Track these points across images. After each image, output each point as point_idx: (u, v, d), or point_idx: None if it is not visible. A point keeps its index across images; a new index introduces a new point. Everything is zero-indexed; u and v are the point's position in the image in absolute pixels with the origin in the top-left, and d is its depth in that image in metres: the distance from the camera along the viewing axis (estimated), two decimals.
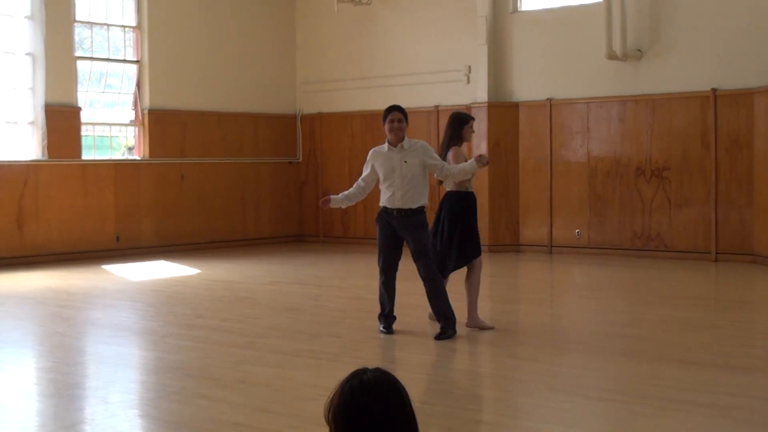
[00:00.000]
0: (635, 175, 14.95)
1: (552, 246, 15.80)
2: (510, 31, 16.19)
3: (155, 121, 16.45)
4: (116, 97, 16.47)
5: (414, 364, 7.49)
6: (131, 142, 16.67)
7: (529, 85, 16.02)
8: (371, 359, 7.37)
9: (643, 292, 11.89)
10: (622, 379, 6.99)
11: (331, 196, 9.36)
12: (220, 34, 17.40)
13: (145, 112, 16.38)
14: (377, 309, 10.46)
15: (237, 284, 12.55)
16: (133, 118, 16.49)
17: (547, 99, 15.80)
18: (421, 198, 8.68)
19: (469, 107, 16.40)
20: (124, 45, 16.40)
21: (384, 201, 8.87)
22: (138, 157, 16.44)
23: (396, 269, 9.05)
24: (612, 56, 14.80)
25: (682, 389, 6.55)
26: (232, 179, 17.60)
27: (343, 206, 9.63)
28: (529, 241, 16.07)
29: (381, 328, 8.79)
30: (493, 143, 16.06)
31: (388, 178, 8.76)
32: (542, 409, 6.21)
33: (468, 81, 16.55)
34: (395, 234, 8.86)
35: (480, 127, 16.14)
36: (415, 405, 2.77)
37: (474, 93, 16.40)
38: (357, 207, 17.92)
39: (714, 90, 14.16)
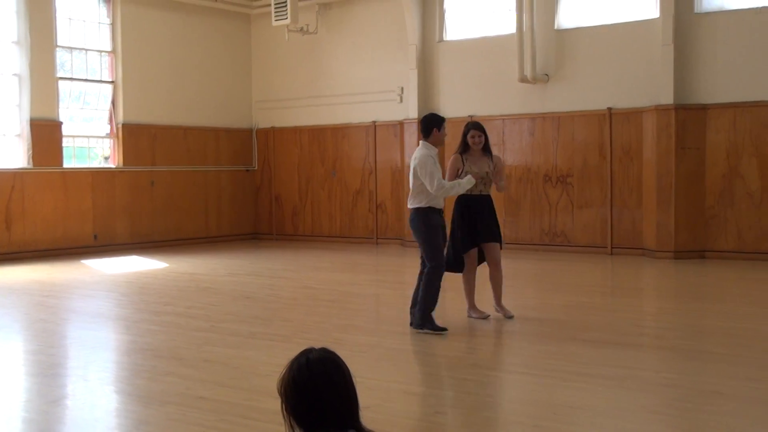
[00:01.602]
0: (543, 181, 15.09)
1: None
2: (437, 58, 16.26)
3: (128, 134, 16.27)
4: (94, 112, 16.22)
5: (354, 343, 7.47)
6: (107, 152, 16.43)
7: (453, 104, 16.09)
8: (318, 340, 7.33)
9: (550, 281, 12.00)
10: (533, 356, 7.04)
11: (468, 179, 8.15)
12: (186, 58, 17.27)
13: (120, 126, 16.19)
14: (324, 296, 10.46)
15: (200, 276, 12.42)
16: (108, 131, 16.29)
17: (469, 116, 15.85)
18: None
19: (401, 123, 16.44)
20: (101, 67, 16.18)
21: (437, 203, 7.97)
22: (113, 166, 16.23)
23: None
24: (523, 80, 14.92)
25: (584, 364, 6.62)
26: (196, 185, 17.47)
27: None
28: None
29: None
30: None
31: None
32: (466, 381, 6.23)
33: (401, 100, 16.59)
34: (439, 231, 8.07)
35: (411, 139, 16.20)
36: (361, 380, 2.78)
37: (406, 111, 16.44)
38: (305, 207, 17.92)
39: (609, 109, 14.35)
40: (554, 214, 14.97)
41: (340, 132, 17.46)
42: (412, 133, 16.19)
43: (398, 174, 16.63)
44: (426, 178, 7.81)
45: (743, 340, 7.45)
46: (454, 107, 16.06)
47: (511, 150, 15.42)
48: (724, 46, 13.41)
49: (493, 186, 8.52)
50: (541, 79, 14.95)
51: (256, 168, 18.61)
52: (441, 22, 16.24)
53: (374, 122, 16.93)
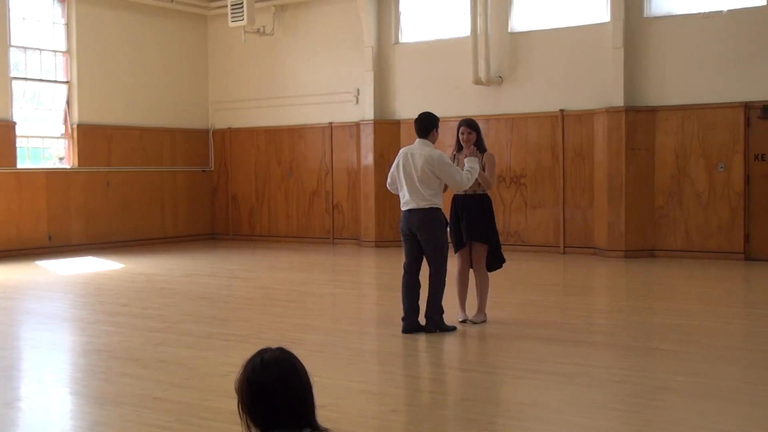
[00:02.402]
0: (497, 182, 15.18)
1: None
2: (392, 60, 16.28)
3: (83, 135, 16.06)
4: (48, 113, 15.97)
5: (311, 343, 7.46)
6: (62, 152, 16.20)
7: (408, 105, 16.11)
8: (275, 340, 7.30)
9: (504, 280, 12.05)
10: (487, 354, 7.08)
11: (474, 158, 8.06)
12: (141, 58, 17.10)
13: (74, 126, 15.97)
14: (281, 296, 10.43)
15: (156, 277, 12.30)
16: (63, 131, 16.05)
17: None
18: None
19: (357, 124, 16.44)
20: (55, 67, 15.93)
21: (441, 203, 7.91)
22: (68, 166, 16.00)
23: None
24: (478, 82, 15.01)
25: (538, 361, 6.67)
26: (152, 185, 17.30)
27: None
28: None
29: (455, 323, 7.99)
30: (379, 154, 16.11)
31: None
32: (421, 380, 6.25)
33: (357, 101, 16.58)
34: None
35: (367, 140, 16.21)
36: (318, 379, 2.78)
37: (362, 112, 16.44)
38: (262, 208, 17.84)
39: (562, 111, 14.49)
40: (508, 215, 15.07)
41: (296, 133, 17.41)
42: (368, 134, 16.21)
43: (354, 175, 16.63)
44: (452, 175, 7.75)
45: (691, 337, 7.57)
46: (409, 109, 16.09)
47: None
48: (673, 50, 13.61)
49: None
50: (495, 81, 15.04)
51: (212, 168, 18.48)
52: (397, 25, 16.27)
53: (330, 123, 16.90)
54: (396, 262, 14.31)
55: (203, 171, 18.39)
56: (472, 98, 15.35)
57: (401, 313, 7.91)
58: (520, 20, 15.03)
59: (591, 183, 14.33)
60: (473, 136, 8.24)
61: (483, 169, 8.20)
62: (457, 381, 6.23)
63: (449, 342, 7.60)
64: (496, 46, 15.03)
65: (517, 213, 15.00)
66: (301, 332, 8.01)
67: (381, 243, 16.07)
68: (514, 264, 13.41)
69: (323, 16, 16.97)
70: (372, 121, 16.15)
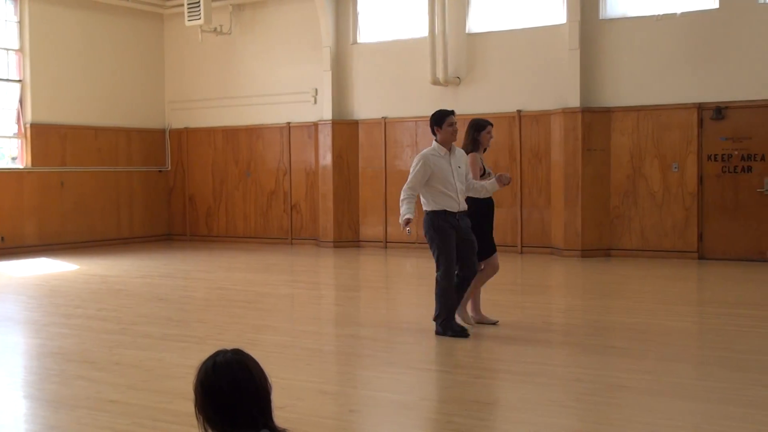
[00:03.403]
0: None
1: (387, 242, 15.95)
2: (350, 60, 16.27)
3: (37, 134, 15.83)
4: (0, 112, 15.70)
5: (269, 344, 7.42)
6: (15, 152, 15.94)
7: (366, 106, 16.13)
8: (232, 341, 7.26)
9: None
10: (445, 353, 7.09)
11: (410, 218, 7.64)
12: (96, 57, 16.90)
13: (27, 126, 15.74)
14: (239, 297, 10.36)
15: (112, 278, 12.16)
16: (16, 131, 15.80)
17: (382, 117, 15.95)
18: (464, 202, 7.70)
19: (315, 124, 16.40)
20: (8, 66, 15.68)
21: (445, 205, 7.53)
22: (21, 166, 15.76)
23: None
24: (435, 82, 15.05)
25: (496, 360, 6.70)
26: (108, 185, 17.11)
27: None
28: (368, 238, 16.17)
29: (453, 331, 7.55)
30: (337, 155, 16.09)
31: (449, 181, 7.55)
32: (380, 379, 6.25)
33: (315, 102, 16.55)
34: (453, 235, 7.61)
35: (325, 140, 16.18)
36: (276, 380, 2.77)
37: (320, 112, 16.41)
38: (220, 208, 17.72)
39: (519, 111, 14.59)
40: None
41: (254, 133, 17.32)
42: (326, 134, 16.17)
43: (313, 175, 16.59)
44: (409, 177, 7.66)
45: (645, 335, 7.65)
46: (367, 109, 16.11)
47: None
48: (628, 52, 13.77)
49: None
50: (452, 81, 15.10)
51: (169, 168, 18.31)
52: (355, 25, 16.25)
53: (288, 123, 16.84)
54: (355, 261, 14.33)
55: (159, 171, 18.22)
56: (430, 98, 15.37)
57: (358, 315, 7.90)
58: (478, 21, 15.11)
59: (548, 183, 14.44)
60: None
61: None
62: (416, 381, 6.23)
63: (408, 342, 7.60)
64: (454, 47, 15.10)
65: None
66: (259, 333, 7.96)
67: (339, 243, 16.06)
68: None
69: (281, 15, 16.90)
70: (330, 122, 16.12)
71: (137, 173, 17.75)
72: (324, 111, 16.32)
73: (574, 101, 13.90)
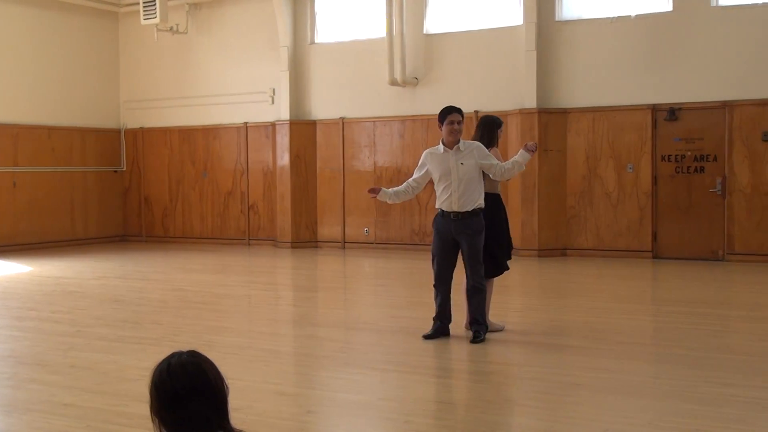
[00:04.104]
0: None
1: (345, 242, 15.94)
2: (308, 60, 16.24)
3: None
4: None
5: (226, 345, 7.38)
6: None
7: (324, 106, 16.11)
8: (189, 343, 7.21)
9: (419, 280, 12.15)
10: (402, 353, 7.11)
11: (382, 189, 7.64)
12: (49, 56, 16.67)
13: None
14: (195, 298, 10.29)
15: (66, 280, 12.00)
16: None
17: (340, 118, 15.94)
18: (477, 199, 7.35)
19: (273, 124, 16.35)
20: None
21: (441, 204, 7.44)
22: None
23: (451, 277, 7.60)
24: (393, 83, 15.08)
25: (453, 360, 6.73)
26: (61, 186, 16.88)
27: (389, 201, 7.81)
28: (326, 238, 16.16)
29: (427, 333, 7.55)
30: (295, 155, 16.05)
31: (444, 180, 7.36)
32: (337, 380, 6.25)
33: (272, 102, 16.49)
34: (451, 238, 7.40)
35: (283, 141, 16.15)
36: (233, 381, 2.76)
37: (278, 112, 16.36)
38: (176, 209, 17.58)
39: (476, 112, 14.65)
40: (424, 214, 15.18)
41: (211, 133, 17.21)
42: (284, 134, 16.13)
43: (270, 175, 16.53)
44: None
45: (601, 334, 7.74)
46: (325, 109, 16.10)
47: (381, 152, 15.56)
48: (584, 53, 13.92)
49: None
50: (410, 82, 15.14)
51: (124, 169, 18.13)
52: (312, 25, 16.23)
53: (246, 123, 16.76)
54: (312, 262, 14.30)
55: (115, 171, 18.03)
56: (388, 99, 15.43)
57: (315, 315, 7.88)
58: (435, 22, 15.17)
59: (504, 183, 14.51)
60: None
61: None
62: (373, 381, 6.24)
63: (366, 342, 7.61)
64: (412, 48, 15.14)
65: (433, 213, 15.03)
66: (216, 334, 7.92)
67: (297, 244, 16.03)
68: (429, 264, 13.54)
69: (238, 15, 16.82)
70: (288, 122, 16.08)
71: (92, 173, 17.54)
72: (281, 111, 16.27)
73: (531, 102, 14.01)
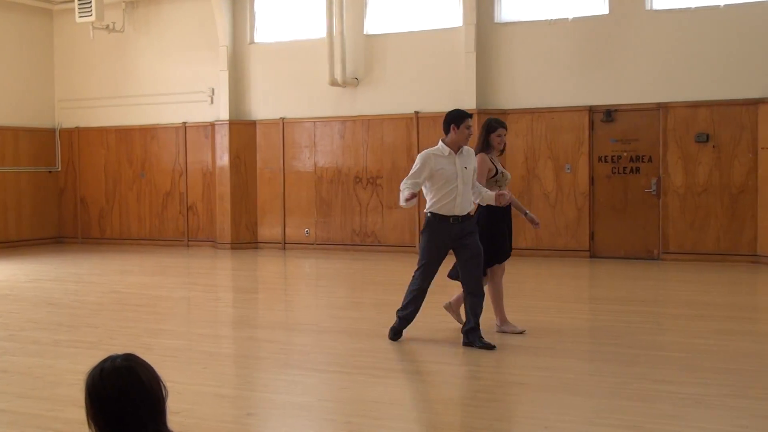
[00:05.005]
0: (354, 183, 15.30)
1: (285, 243, 15.88)
2: (248, 60, 16.13)
3: None
4: None
5: (164, 348, 7.29)
6: None
7: (264, 106, 16.03)
8: (126, 346, 7.10)
9: (360, 280, 12.18)
10: (343, 354, 7.11)
11: (412, 191, 7.19)
12: None
13: None
14: (133, 301, 10.14)
15: None
16: None
17: (280, 118, 15.87)
18: (471, 203, 7.32)
19: (212, 124, 16.21)
20: None
21: (439, 208, 7.21)
22: None
23: (432, 280, 7.51)
24: (334, 83, 15.07)
25: (393, 360, 6.75)
26: None
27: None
28: (266, 239, 16.07)
29: (391, 335, 7.47)
30: (234, 155, 15.93)
31: (450, 183, 7.14)
32: (277, 382, 6.22)
33: (212, 101, 16.35)
34: (447, 244, 7.30)
35: (222, 141, 16.01)
36: (172, 384, 2.73)
37: (217, 112, 16.22)
38: (113, 210, 17.31)
39: (417, 113, 14.73)
40: (365, 215, 15.20)
41: (148, 133, 16.99)
42: (223, 134, 16.00)
43: (209, 176, 16.38)
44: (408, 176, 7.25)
45: (539, 332, 7.83)
46: (265, 109, 16.01)
47: (322, 152, 15.54)
48: (522, 55, 14.08)
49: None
50: (350, 82, 15.14)
51: (59, 169, 17.79)
52: (252, 24, 16.13)
53: (184, 123, 16.59)
54: (252, 263, 14.20)
55: (49, 171, 17.68)
56: (329, 99, 15.41)
57: (255, 317, 7.83)
58: (375, 23, 15.20)
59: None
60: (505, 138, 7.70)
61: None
62: (314, 382, 6.23)
63: (306, 344, 7.59)
64: (352, 48, 15.14)
65: (374, 214, 15.15)
66: (154, 337, 7.82)
67: (237, 245, 15.91)
68: (370, 264, 13.59)
69: (176, 13, 16.64)
70: (227, 122, 15.96)
71: (25, 174, 17.17)
72: (221, 111, 16.14)
73: (471, 103, 14.12)
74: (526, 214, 8.02)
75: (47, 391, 5.90)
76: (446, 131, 7.23)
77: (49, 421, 5.18)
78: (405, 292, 7.53)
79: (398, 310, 7.54)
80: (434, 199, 7.24)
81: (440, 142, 7.26)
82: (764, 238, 12.71)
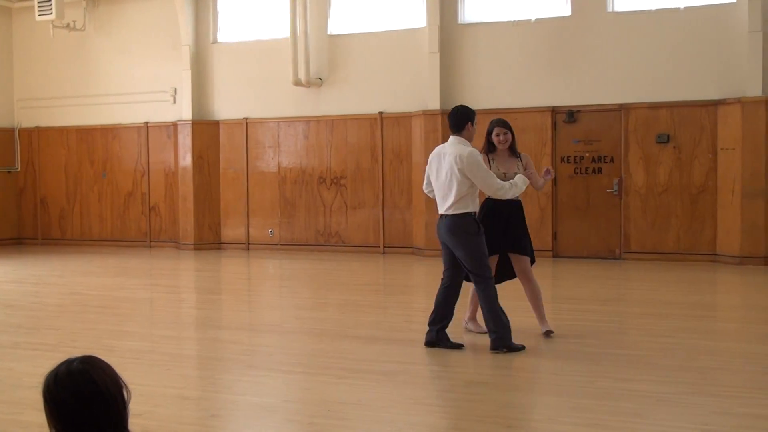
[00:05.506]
0: (318, 183, 15.27)
1: (249, 243, 15.81)
2: (211, 59, 16.04)
3: None
4: None
5: (126, 350, 7.23)
6: None
7: (228, 106, 15.95)
8: (87, 348, 7.03)
9: (324, 281, 12.16)
10: (307, 354, 7.10)
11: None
12: None
13: None
14: (94, 302, 10.03)
15: None
16: None
17: (244, 118, 15.80)
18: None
19: (175, 124, 16.09)
20: None
21: (474, 207, 7.04)
22: None
23: None
24: (298, 83, 15.04)
25: (357, 360, 6.75)
26: None
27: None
28: (230, 240, 15.99)
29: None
30: (197, 155, 15.84)
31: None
32: (241, 383, 6.19)
33: (174, 101, 16.23)
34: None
35: (185, 141, 15.91)
36: (134, 387, 2.71)
37: (180, 112, 16.10)
38: (74, 210, 17.12)
39: (381, 113, 14.75)
40: (329, 215, 15.18)
41: (110, 133, 16.82)
42: (186, 134, 15.90)
43: (172, 176, 16.26)
44: (484, 178, 6.84)
45: None
46: (228, 109, 15.94)
47: (285, 152, 15.50)
48: (485, 56, 14.14)
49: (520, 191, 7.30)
50: (314, 83, 15.12)
51: (18, 169, 17.56)
52: (215, 24, 16.04)
53: (146, 123, 16.45)
54: (216, 264, 14.13)
55: (8, 172, 17.45)
56: (292, 99, 15.37)
57: (219, 318, 7.79)
58: (339, 23, 15.19)
59: (409, 184, 14.66)
60: (509, 136, 7.50)
61: (529, 173, 7.52)
62: (277, 383, 6.21)
63: (270, 344, 7.56)
64: (316, 48, 15.12)
65: (338, 214, 15.14)
66: (116, 339, 7.75)
67: (200, 246, 15.81)
68: (335, 265, 13.58)
69: (138, 12, 16.50)
70: (190, 122, 15.85)
71: None
72: (183, 111, 16.03)
73: (434, 104, 14.16)
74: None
75: (6, 394, 5.82)
76: (460, 129, 7.04)
77: (8, 424, 5.11)
78: (487, 310, 7.04)
79: (501, 327, 6.99)
80: (471, 198, 6.99)
81: (464, 141, 7.02)
82: (723, 237, 12.90)
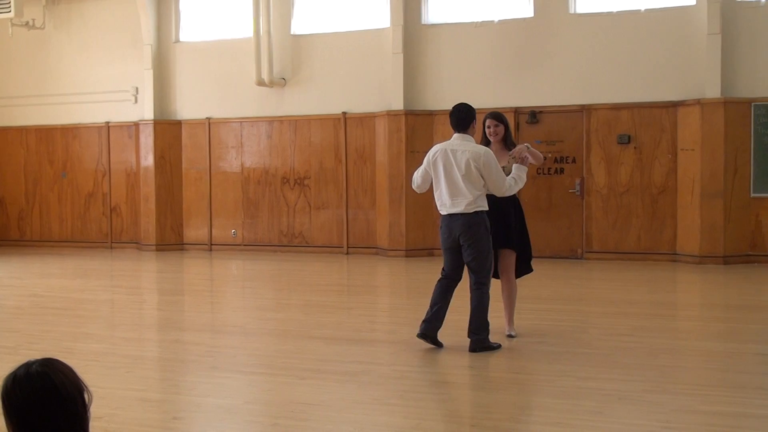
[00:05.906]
0: (281, 183, 15.23)
1: (212, 244, 15.73)
2: (173, 59, 15.93)
3: None
4: None
5: (87, 352, 7.15)
6: None
7: (190, 106, 15.85)
8: (47, 351, 6.95)
9: (287, 281, 12.13)
10: (270, 355, 7.07)
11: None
12: None
13: None
14: (54, 304, 9.91)
15: None
16: None
17: (206, 118, 15.71)
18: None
19: (137, 124, 15.96)
20: None
21: (484, 203, 7.03)
22: None
23: None
24: (261, 83, 14.98)
25: (320, 360, 6.74)
26: None
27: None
28: (192, 241, 15.89)
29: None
30: (159, 155, 15.72)
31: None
32: (204, 385, 6.16)
33: (136, 101, 16.10)
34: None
35: (147, 141, 15.79)
36: (95, 389, 2.68)
37: (141, 111, 15.98)
38: (33, 211, 16.90)
39: (344, 113, 14.74)
40: (292, 216, 15.15)
41: (70, 132, 16.64)
42: (148, 134, 15.77)
43: (134, 176, 16.12)
44: (497, 179, 6.86)
45: (464, 332, 7.85)
46: (191, 109, 15.84)
47: (249, 152, 15.43)
48: (449, 56, 14.19)
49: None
50: (278, 82, 15.07)
51: None
52: (177, 23, 15.93)
53: (107, 123, 16.30)
54: (178, 265, 14.03)
55: None
56: (255, 99, 15.32)
57: (181, 320, 7.74)
58: (303, 23, 15.16)
59: (373, 184, 14.67)
60: (501, 129, 7.46)
61: (532, 153, 7.40)
62: (240, 384, 6.18)
63: (232, 346, 7.53)
64: (279, 48, 15.08)
65: (301, 214, 15.11)
66: (76, 341, 7.66)
67: (162, 247, 15.70)
68: (298, 265, 13.55)
69: (99, 11, 16.34)
70: (152, 121, 15.73)
71: None
72: (145, 110, 15.90)
73: (398, 104, 14.19)
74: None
75: None
76: (467, 127, 7.07)
77: None
78: (482, 308, 7.15)
79: (484, 329, 7.12)
80: (484, 197, 7.02)
81: (471, 139, 7.06)
82: (683, 237, 13.07)
